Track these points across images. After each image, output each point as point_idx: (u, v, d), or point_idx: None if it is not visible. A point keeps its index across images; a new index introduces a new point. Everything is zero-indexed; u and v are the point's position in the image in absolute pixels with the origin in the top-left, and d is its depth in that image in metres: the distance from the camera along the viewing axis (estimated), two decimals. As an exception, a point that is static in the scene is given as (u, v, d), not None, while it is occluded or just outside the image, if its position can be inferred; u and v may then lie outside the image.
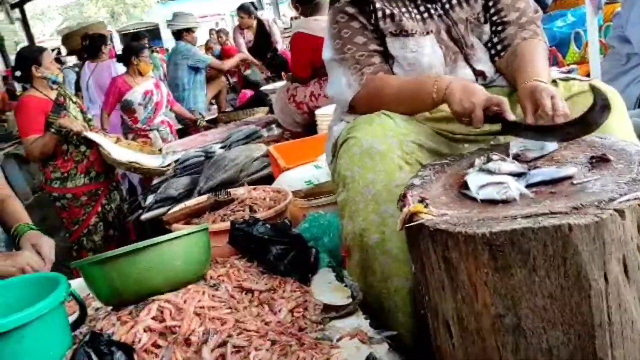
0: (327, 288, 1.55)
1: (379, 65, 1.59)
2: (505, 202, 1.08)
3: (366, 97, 1.57)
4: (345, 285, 1.52)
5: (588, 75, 2.86)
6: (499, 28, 1.63)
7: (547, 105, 1.29)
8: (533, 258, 0.93)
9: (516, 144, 1.31)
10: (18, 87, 3.89)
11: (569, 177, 1.11)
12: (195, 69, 5.57)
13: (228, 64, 5.95)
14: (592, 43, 2.83)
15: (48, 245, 1.77)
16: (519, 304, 0.97)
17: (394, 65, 1.62)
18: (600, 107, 1.22)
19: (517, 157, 1.26)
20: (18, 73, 3.45)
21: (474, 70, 1.61)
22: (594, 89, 1.27)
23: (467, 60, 1.61)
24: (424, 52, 1.58)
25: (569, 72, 2.89)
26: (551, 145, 1.28)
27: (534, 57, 1.51)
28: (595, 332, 0.95)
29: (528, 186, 1.12)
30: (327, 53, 1.68)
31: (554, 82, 1.53)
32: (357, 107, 1.60)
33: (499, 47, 1.63)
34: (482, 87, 1.41)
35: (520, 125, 1.32)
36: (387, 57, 1.62)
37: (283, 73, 5.93)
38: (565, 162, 1.20)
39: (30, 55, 3.42)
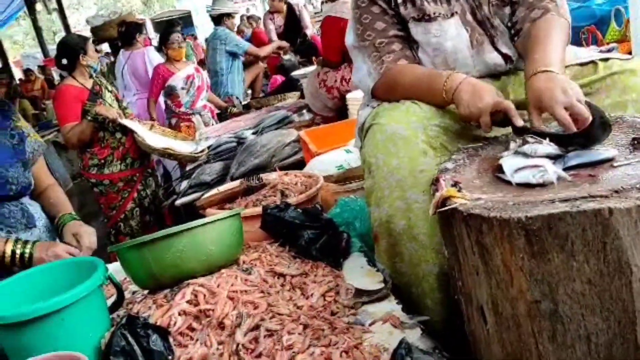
0: (359, 273, 1.55)
1: (399, 52, 1.56)
2: (541, 186, 1.05)
3: (384, 87, 1.56)
4: (377, 270, 1.52)
5: (629, 53, 2.75)
6: (512, 9, 1.55)
7: (563, 118, 1.18)
8: (571, 243, 0.91)
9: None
10: (56, 76, 3.99)
11: (609, 160, 1.08)
12: (234, 55, 5.60)
13: (265, 50, 5.95)
14: (634, 20, 2.72)
15: (87, 234, 1.83)
16: (556, 290, 0.94)
17: (419, 50, 1.58)
18: (600, 124, 1.16)
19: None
20: (64, 61, 3.52)
21: (501, 54, 1.56)
22: (590, 105, 1.19)
23: (493, 43, 1.56)
24: (447, 37, 1.53)
25: (608, 50, 2.80)
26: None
27: (546, 40, 1.38)
28: (637, 319, 0.92)
29: (566, 169, 1.09)
30: (349, 39, 1.66)
31: (593, 63, 1.48)
32: (378, 95, 1.59)
33: (512, 30, 1.56)
34: (492, 89, 1.35)
35: (529, 130, 1.27)
36: (411, 42, 1.59)
37: (314, 58, 5.90)
38: (605, 144, 1.16)
39: (78, 44, 3.49)
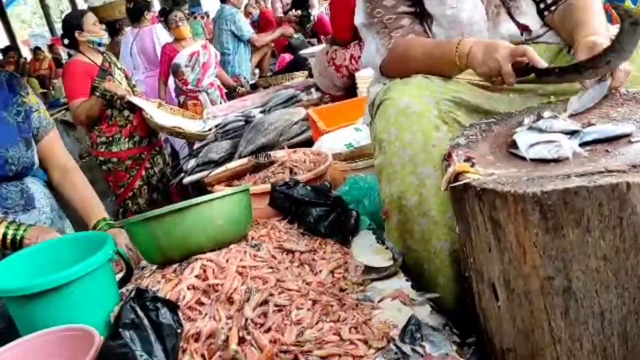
0: (367, 250, 1.54)
1: (408, 27, 1.54)
2: (556, 161, 1.02)
3: (394, 63, 1.54)
4: (386, 248, 1.51)
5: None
6: None
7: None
8: (587, 218, 0.89)
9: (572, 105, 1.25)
10: (64, 55, 3.97)
11: (627, 135, 1.05)
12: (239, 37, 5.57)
13: (264, 40, 5.91)
14: (651, -3, 2.66)
15: (123, 237, 1.70)
16: (570, 266, 0.93)
17: (433, 24, 1.55)
18: (630, 24, 1.13)
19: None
20: (66, 41, 3.50)
21: (518, 25, 1.53)
22: (618, 10, 1.20)
23: (510, 13, 1.53)
24: (463, 7, 1.51)
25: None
26: (600, 91, 1.22)
27: (591, 11, 1.42)
28: (652, 296, 0.90)
29: (582, 145, 1.06)
30: (358, 17, 1.64)
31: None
32: (387, 72, 1.56)
33: (542, 4, 1.54)
34: (504, 42, 1.34)
35: (554, 69, 1.25)
36: (424, 17, 1.56)
37: (322, 36, 5.84)
38: (622, 120, 1.13)
39: (73, 21, 3.46)
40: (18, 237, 1.63)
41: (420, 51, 1.48)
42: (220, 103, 4.71)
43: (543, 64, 1.25)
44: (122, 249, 1.58)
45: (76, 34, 3.40)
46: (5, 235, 1.64)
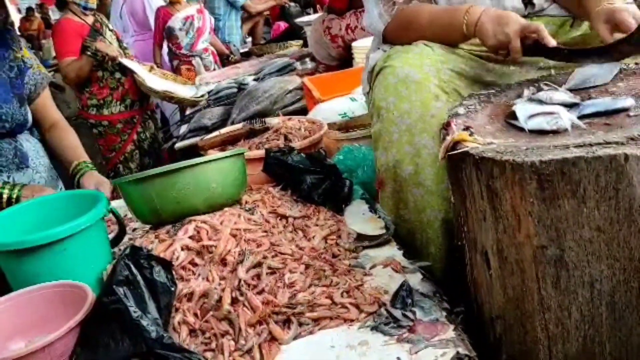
0: (360, 219, 1.55)
1: None
2: (555, 132, 1.03)
3: (397, 28, 1.52)
4: (379, 217, 1.51)
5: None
6: None
7: (631, 22, 1.20)
8: (583, 189, 0.90)
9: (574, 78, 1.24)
10: (53, 15, 3.89)
11: (626, 109, 1.06)
12: (232, 3, 5.46)
13: (259, 7, 5.81)
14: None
15: (107, 185, 1.75)
16: (563, 236, 0.94)
17: None
18: None
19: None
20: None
21: None
22: None
23: None
24: None
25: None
26: (605, 73, 1.21)
27: None
28: (642, 267, 0.92)
29: (581, 117, 1.07)
30: None
31: None
32: (390, 38, 1.54)
33: None
34: (516, 15, 1.32)
35: (563, 50, 1.24)
36: None
37: (318, 6, 5.76)
38: (622, 94, 1.13)
39: None
40: (14, 197, 1.61)
41: (427, 17, 1.46)
42: (214, 69, 4.65)
43: (553, 42, 1.24)
44: (107, 195, 1.62)
45: None
46: (0, 194, 1.62)
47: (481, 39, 1.34)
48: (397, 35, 1.51)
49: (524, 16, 1.52)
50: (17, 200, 1.61)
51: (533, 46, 1.27)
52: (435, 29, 1.42)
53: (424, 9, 1.49)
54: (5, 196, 1.62)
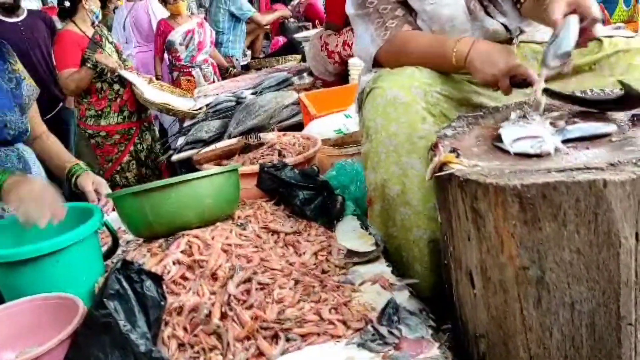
0: (351, 235, 1.57)
1: (402, 17, 1.54)
2: (539, 156, 1.06)
3: (391, 53, 1.54)
4: (370, 234, 1.54)
5: (637, 32, 2.73)
6: None
7: (591, 7, 1.20)
8: (564, 212, 0.92)
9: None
10: (58, 25, 3.92)
11: (608, 135, 1.09)
12: (237, 16, 5.50)
13: (267, 19, 5.86)
14: (644, 0, 2.69)
15: (105, 184, 1.88)
16: (544, 258, 0.96)
17: (417, 18, 1.56)
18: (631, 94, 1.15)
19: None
20: (67, 3, 3.45)
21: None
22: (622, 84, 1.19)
23: (487, 13, 1.53)
24: (443, 3, 1.50)
25: (616, 28, 2.77)
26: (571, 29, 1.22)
27: None
28: (621, 290, 0.94)
29: (565, 142, 1.09)
30: (350, 7, 1.63)
31: (597, 40, 1.46)
32: (382, 62, 1.57)
33: None
34: (505, 51, 1.33)
35: (552, 92, 1.27)
36: (411, 11, 1.57)
37: (317, 21, 5.81)
38: (605, 119, 1.16)
39: None
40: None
41: (418, 46, 1.48)
42: (214, 81, 4.69)
43: (542, 84, 1.25)
44: (104, 192, 1.75)
45: (83, 1, 3.37)
46: None
47: (471, 73, 1.37)
48: (389, 59, 1.54)
49: (508, 39, 1.55)
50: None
51: (522, 83, 1.30)
52: (426, 58, 1.44)
53: (416, 38, 1.51)
54: None
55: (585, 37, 1.24)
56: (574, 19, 1.22)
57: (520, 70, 1.29)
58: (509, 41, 1.55)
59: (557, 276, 0.96)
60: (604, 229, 0.92)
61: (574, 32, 1.21)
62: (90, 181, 1.86)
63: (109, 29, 4.95)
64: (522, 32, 1.56)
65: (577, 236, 0.93)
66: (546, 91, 1.25)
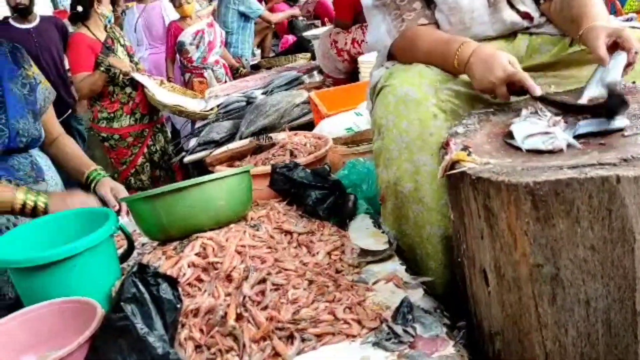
0: (364, 233, 1.57)
1: (420, 11, 1.54)
2: (551, 152, 1.05)
3: (402, 48, 1.54)
4: (383, 232, 1.54)
5: (649, 23, 2.70)
6: None
7: (631, 39, 1.23)
8: (577, 209, 0.92)
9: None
10: (70, 29, 3.95)
11: (620, 130, 1.08)
12: (246, 16, 5.50)
13: (278, 17, 5.87)
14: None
15: (123, 190, 1.91)
16: (558, 255, 0.96)
17: (436, 11, 1.55)
18: (615, 101, 1.13)
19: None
20: (80, 8, 3.49)
21: (519, 12, 1.53)
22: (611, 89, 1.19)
23: (510, 2, 1.52)
24: None
25: (627, 20, 2.74)
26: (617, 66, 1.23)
27: (590, 1, 1.40)
28: (636, 286, 0.94)
29: (576, 137, 1.09)
30: None
31: None
32: (396, 55, 1.57)
33: None
34: (504, 58, 1.31)
35: (547, 99, 1.26)
36: (429, 2, 1.56)
37: (326, 19, 5.81)
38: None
39: None
40: (41, 204, 1.62)
41: (426, 44, 1.48)
42: (226, 81, 4.70)
43: (538, 92, 1.25)
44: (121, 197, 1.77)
45: (95, 5, 3.41)
46: (25, 202, 1.61)
47: (470, 79, 1.37)
48: (401, 53, 1.54)
49: (525, 28, 1.54)
50: (45, 210, 1.62)
51: (520, 91, 1.30)
52: (431, 57, 1.44)
53: (425, 36, 1.50)
54: (30, 203, 1.62)
55: (626, 67, 1.25)
56: (622, 58, 1.24)
57: (517, 77, 1.28)
58: (527, 32, 1.54)
59: (571, 273, 0.96)
60: (618, 225, 0.92)
61: (621, 66, 1.23)
62: (109, 187, 1.88)
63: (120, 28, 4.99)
64: (539, 25, 1.55)
65: (591, 233, 0.93)
66: (542, 99, 1.25)
